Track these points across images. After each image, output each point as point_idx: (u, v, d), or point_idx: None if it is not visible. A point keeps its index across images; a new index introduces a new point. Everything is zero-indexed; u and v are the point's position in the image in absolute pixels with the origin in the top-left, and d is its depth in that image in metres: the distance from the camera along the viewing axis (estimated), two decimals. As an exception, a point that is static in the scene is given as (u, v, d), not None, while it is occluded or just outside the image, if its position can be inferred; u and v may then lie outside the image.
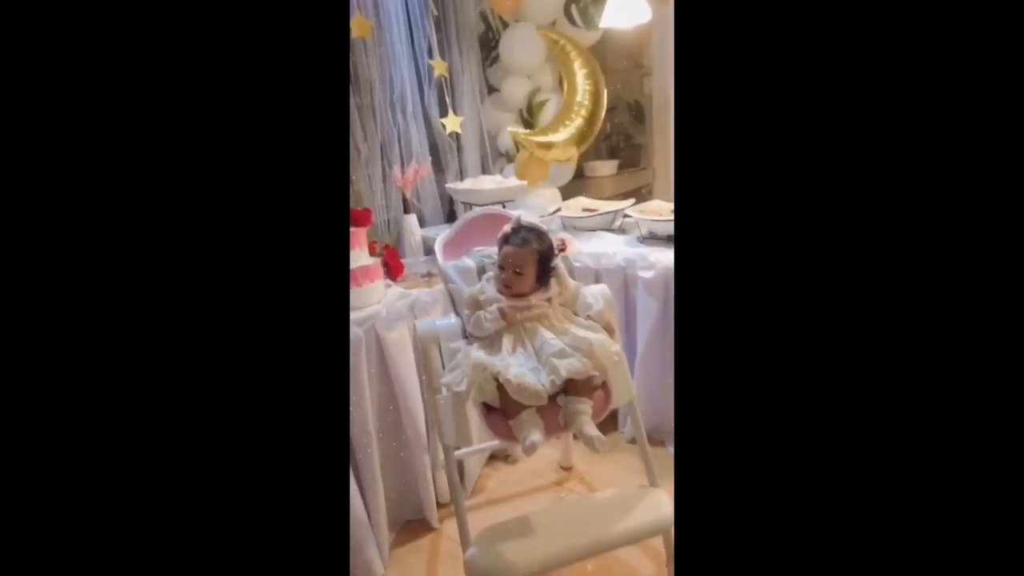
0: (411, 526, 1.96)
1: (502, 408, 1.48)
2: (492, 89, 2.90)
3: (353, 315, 1.78)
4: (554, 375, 1.46)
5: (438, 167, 2.86)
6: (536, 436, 1.40)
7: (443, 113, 2.64)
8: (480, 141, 3.01)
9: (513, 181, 2.63)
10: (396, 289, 1.98)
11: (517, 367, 1.47)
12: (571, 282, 1.69)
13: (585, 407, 1.45)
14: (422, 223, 2.66)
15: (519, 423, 1.44)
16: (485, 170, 2.96)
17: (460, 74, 2.75)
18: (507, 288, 1.60)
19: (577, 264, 2.30)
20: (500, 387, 1.46)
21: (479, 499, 2.10)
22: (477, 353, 1.51)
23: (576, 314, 1.64)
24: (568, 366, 1.46)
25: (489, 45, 2.86)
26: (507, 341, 1.56)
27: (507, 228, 1.70)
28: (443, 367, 1.58)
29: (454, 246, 1.85)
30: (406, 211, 2.55)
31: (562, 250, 1.61)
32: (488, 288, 1.66)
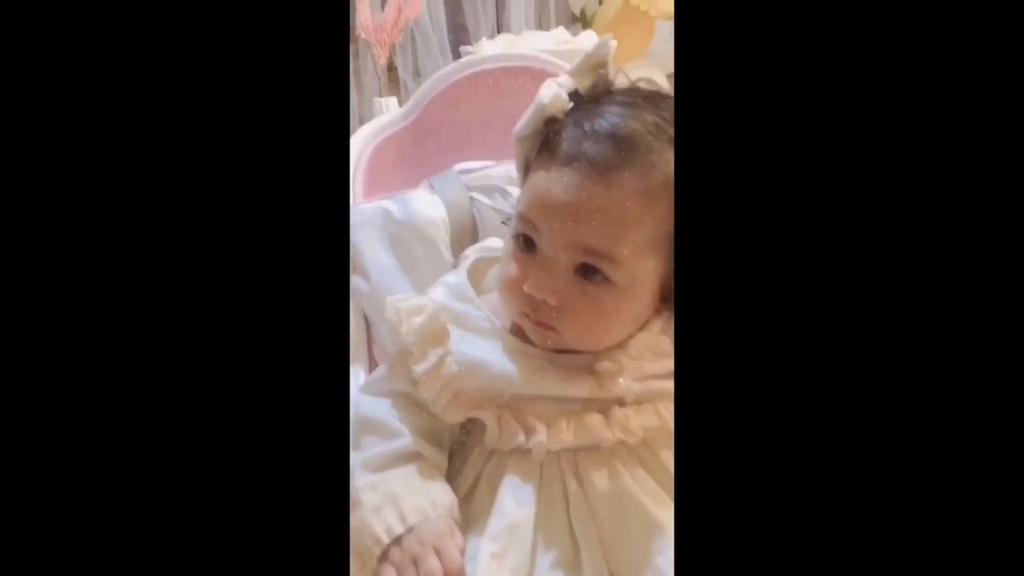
0: None
1: None
2: None
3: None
4: None
5: (457, 25, 1.75)
6: None
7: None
8: (538, -15, 1.86)
9: (589, 41, 1.44)
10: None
11: None
12: None
13: None
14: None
15: None
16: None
17: None
18: (539, 311, 0.46)
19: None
20: None
21: None
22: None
23: None
24: None
25: None
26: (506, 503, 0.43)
27: (558, 87, 0.46)
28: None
29: (400, 158, 0.64)
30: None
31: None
32: (456, 299, 0.50)
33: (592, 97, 0.45)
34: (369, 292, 0.56)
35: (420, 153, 0.65)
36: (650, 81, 0.47)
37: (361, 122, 1.58)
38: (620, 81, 0.47)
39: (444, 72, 0.67)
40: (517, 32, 1.73)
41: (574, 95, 0.45)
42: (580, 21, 1.96)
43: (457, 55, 1.64)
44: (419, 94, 0.67)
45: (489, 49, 1.43)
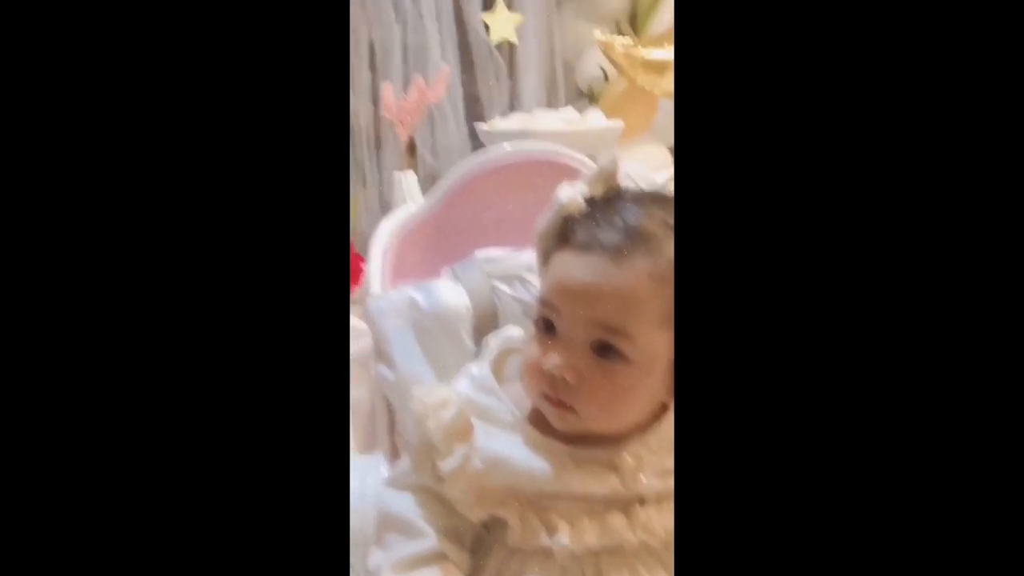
0: None
1: None
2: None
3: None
4: None
5: (472, 101, 1.84)
6: None
7: (487, 5, 1.70)
8: (548, 64, 2.00)
9: (597, 121, 1.50)
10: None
11: None
12: None
13: None
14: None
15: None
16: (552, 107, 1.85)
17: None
18: (558, 389, 0.48)
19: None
20: None
21: None
22: None
23: None
24: None
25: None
26: None
27: (574, 191, 0.51)
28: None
29: (424, 246, 0.68)
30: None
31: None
32: (480, 391, 0.52)
33: (605, 200, 0.50)
34: (395, 381, 0.59)
35: (444, 241, 0.69)
36: (655, 186, 0.52)
37: (381, 196, 1.62)
38: (630, 188, 0.52)
39: (467, 167, 0.72)
40: (528, 109, 1.81)
41: (589, 200, 0.50)
42: (588, 97, 2.04)
43: (471, 130, 1.71)
44: (442, 185, 0.72)
45: (503, 126, 1.49)
